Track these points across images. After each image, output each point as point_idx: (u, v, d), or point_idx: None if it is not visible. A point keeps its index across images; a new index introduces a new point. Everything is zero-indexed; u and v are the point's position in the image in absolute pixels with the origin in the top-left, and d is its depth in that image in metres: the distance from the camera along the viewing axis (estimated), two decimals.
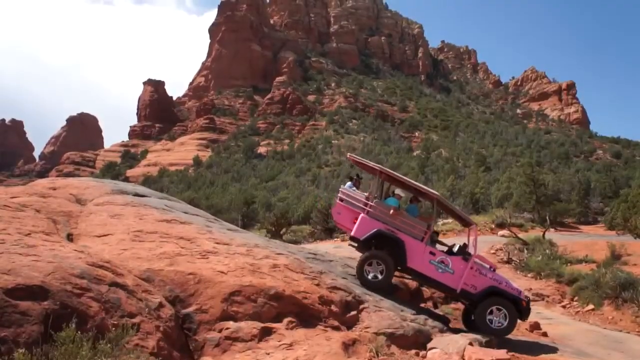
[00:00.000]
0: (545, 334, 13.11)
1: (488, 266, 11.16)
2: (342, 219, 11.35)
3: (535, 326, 13.34)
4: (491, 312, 10.41)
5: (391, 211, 10.85)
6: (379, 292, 10.29)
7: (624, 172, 77.18)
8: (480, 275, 10.67)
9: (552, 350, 10.27)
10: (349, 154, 12.99)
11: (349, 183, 11.97)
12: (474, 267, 10.64)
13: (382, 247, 10.68)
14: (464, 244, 11.50)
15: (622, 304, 17.03)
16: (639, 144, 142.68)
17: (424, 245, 10.70)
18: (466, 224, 12.18)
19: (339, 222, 11.74)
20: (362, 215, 10.81)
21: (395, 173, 12.03)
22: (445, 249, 11.63)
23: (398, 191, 11.82)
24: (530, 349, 9.78)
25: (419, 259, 10.59)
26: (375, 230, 10.60)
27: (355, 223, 10.83)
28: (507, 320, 10.39)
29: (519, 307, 10.62)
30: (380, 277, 10.55)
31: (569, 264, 23.43)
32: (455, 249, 11.48)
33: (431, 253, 10.69)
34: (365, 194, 11.62)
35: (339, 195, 11.58)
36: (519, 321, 12.43)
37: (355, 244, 11.25)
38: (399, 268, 11.00)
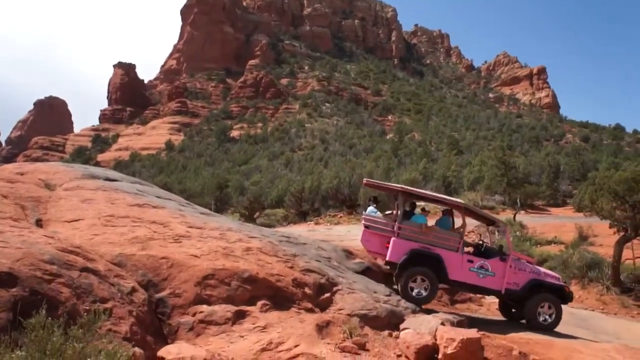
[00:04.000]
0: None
1: (524, 260, 11.46)
2: (372, 245, 11.15)
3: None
4: (539, 308, 10.74)
5: (422, 228, 10.81)
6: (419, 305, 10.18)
7: (592, 155, 78.83)
8: (519, 271, 10.89)
9: (521, 328, 10.50)
10: (365, 179, 12.78)
11: (370, 208, 11.73)
12: (512, 265, 10.83)
13: (421, 266, 10.53)
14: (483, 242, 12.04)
15: (588, 283, 17.55)
16: (607, 128, 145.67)
17: (460, 255, 10.73)
18: (496, 224, 12.48)
19: (369, 250, 11.45)
20: (393, 238, 10.64)
21: (417, 189, 12.12)
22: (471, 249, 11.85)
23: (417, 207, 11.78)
24: (501, 328, 9.99)
25: (459, 269, 10.61)
26: (410, 250, 10.47)
27: (387, 247, 10.67)
28: (555, 314, 10.75)
29: (562, 293, 11.00)
30: (425, 292, 10.40)
31: (538, 245, 23.93)
32: (482, 247, 11.79)
33: (469, 261, 10.75)
34: (379, 214, 11.56)
35: (363, 222, 11.34)
36: (487, 299, 12.79)
37: (391, 269, 11.09)
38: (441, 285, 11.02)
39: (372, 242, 11.09)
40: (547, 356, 7.83)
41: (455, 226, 11.89)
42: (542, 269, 11.62)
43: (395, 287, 11.44)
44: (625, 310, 16.89)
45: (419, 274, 10.32)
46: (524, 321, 11.24)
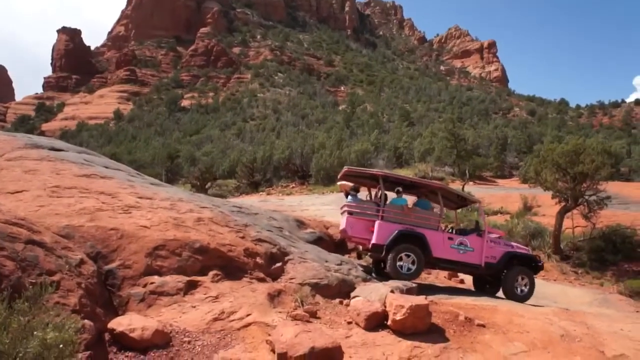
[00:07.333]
0: (462, 281, 13.94)
1: (496, 235, 11.94)
2: (357, 231, 11.11)
3: (453, 274, 14.13)
4: (516, 281, 11.20)
5: (404, 210, 11.05)
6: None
7: (538, 128, 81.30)
8: (495, 245, 11.36)
9: (468, 294, 10.87)
10: (346, 166, 12.68)
11: (350, 197, 11.63)
12: (488, 240, 11.27)
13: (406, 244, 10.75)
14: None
15: (532, 251, 18.24)
16: (552, 102, 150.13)
17: (441, 233, 11.08)
18: (471, 202, 13.07)
19: (354, 236, 11.38)
20: (377, 222, 10.75)
21: (396, 174, 12.55)
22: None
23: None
24: (449, 295, 10.30)
25: (441, 247, 10.90)
26: (396, 232, 10.63)
27: (371, 232, 10.75)
28: (529, 286, 11.26)
29: (535, 263, 11.60)
30: (413, 267, 10.58)
31: (486, 215, 24.64)
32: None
33: (449, 238, 11.08)
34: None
35: (345, 210, 11.29)
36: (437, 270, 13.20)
37: (377, 253, 10.95)
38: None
39: (356, 228, 11.09)
40: (491, 320, 8.15)
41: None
42: (513, 243, 12.23)
43: (372, 267, 11.89)
44: (564, 277, 17.76)
45: (406, 250, 10.58)
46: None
